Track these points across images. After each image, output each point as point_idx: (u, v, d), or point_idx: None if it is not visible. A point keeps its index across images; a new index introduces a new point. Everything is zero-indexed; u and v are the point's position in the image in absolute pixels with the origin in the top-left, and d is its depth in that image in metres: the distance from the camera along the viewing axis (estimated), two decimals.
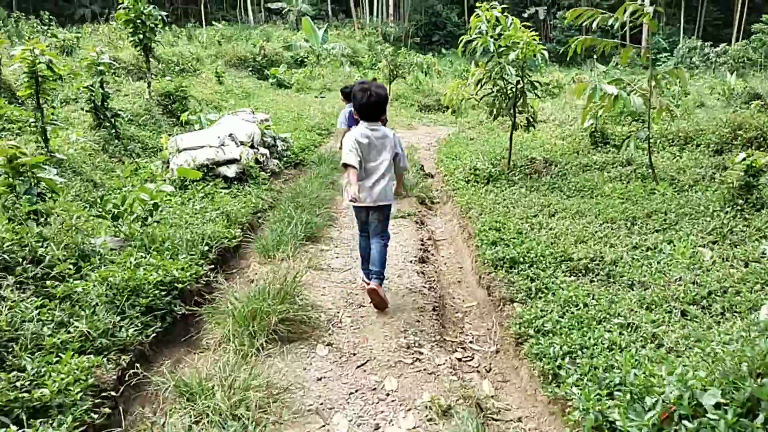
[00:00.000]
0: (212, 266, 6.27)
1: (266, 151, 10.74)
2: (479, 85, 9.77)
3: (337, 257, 6.94)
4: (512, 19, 9.28)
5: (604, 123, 10.83)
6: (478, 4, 9.63)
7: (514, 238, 6.43)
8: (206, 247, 6.45)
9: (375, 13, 48.47)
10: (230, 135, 9.88)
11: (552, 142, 11.68)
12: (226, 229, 7.15)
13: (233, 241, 6.99)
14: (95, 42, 21.26)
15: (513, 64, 9.07)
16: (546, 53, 9.08)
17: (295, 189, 8.92)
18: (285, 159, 11.67)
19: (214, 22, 35.26)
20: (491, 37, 9.19)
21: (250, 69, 27.03)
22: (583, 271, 5.69)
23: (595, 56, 48.94)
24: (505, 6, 9.47)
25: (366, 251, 5.62)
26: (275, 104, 19.90)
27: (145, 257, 5.73)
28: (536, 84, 9.53)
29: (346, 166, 5.02)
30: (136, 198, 6.38)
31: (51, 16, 22.52)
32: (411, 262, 6.68)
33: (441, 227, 8.53)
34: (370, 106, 5.15)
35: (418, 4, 49.80)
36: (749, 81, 20.95)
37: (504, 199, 8.18)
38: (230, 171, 9.19)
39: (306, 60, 28.96)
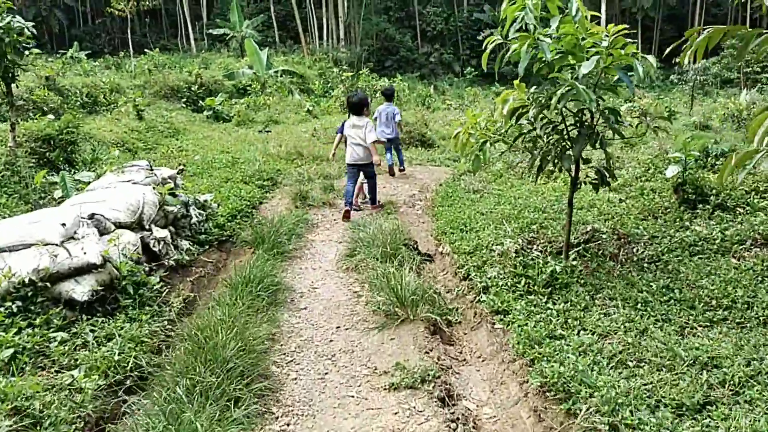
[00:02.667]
0: None
1: (165, 233, 6.37)
2: (513, 118, 5.65)
3: None
4: (577, 5, 5.14)
5: (693, 170, 6.80)
6: None
7: None
8: None
9: (325, 39, 44.44)
10: (91, 216, 5.50)
11: (605, 198, 7.57)
12: None
13: None
14: None
15: (585, 81, 4.97)
16: (653, 62, 4.95)
17: (204, 323, 4.55)
18: (204, 235, 7.33)
19: (147, 51, 30.68)
20: (541, 35, 5.06)
21: (185, 100, 22.53)
22: None
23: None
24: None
25: (350, 195, 8.65)
26: (208, 143, 15.48)
27: None
28: (618, 115, 5.40)
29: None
30: None
31: None
32: None
33: (482, 395, 4.27)
34: (354, 104, 8.62)
35: (370, 28, 45.96)
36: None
37: (601, 336, 4.04)
38: (81, 289, 4.78)
39: (249, 88, 24.59)
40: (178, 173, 10.88)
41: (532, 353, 4.03)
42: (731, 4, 45.86)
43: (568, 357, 3.86)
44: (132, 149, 13.95)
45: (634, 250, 5.90)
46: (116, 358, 4.19)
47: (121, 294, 5.07)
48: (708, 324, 4.34)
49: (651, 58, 4.88)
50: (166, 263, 6.27)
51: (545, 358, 3.91)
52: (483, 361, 4.66)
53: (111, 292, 5.03)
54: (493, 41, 5.41)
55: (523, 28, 5.22)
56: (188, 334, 4.43)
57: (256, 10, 45.83)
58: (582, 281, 5.11)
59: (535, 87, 5.54)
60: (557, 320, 4.46)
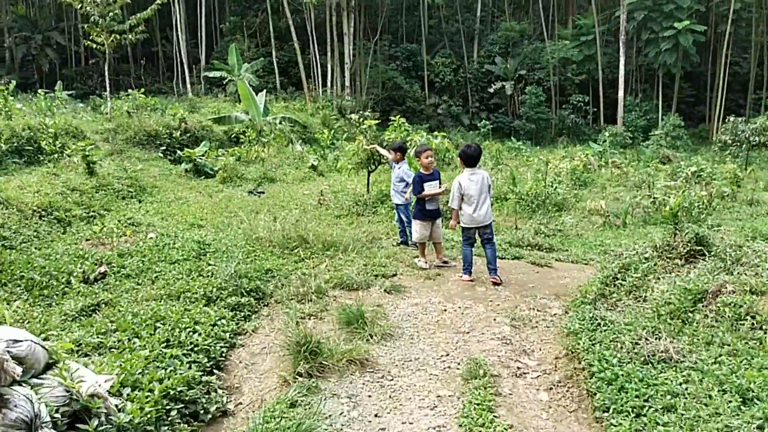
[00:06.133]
0: None
1: None
2: None
3: None
4: None
5: None
6: None
7: None
8: None
9: (329, 86, 40.38)
10: None
11: None
12: None
13: None
14: None
15: None
16: None
17: None
18: None
19: (131, 91, 26.38)
20: None
21: (164, 149, 18.13)
22: None
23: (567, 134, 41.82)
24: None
25: (469, 257, 7.05)
26: (177, 209, 10.97)
27: None
28: None
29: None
30: None
31: None
32: None
33: None
34: (471, 156, 6.91)
35: (377, 77, 42.01)
36: None
37: None
38: None
39: (243, 137, 20.25)
40: (98, 279, 6.36)
41: None
42: (752, 63, 42.40)
43: None
44: (63, 219, 9.42)
45: None
46: None
47: None
48: None
49: None
50: None
51: None
52: None
53: None
54: None
55: None
56: None
57: (257, 55, 41.88)
58: None
59: None
60: None
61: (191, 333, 4.82)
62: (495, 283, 6.86)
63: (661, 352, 4.15)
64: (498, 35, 45.91)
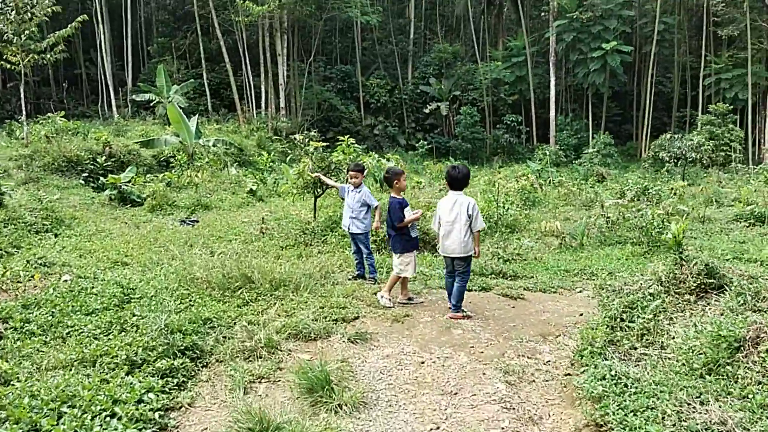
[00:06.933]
0: None
1: None
2: None
3: None
4: None
5: None
6: None
7: None
8: None
9: (263, 107, 39.03)
10: None
11: None
12: None
13: None
14: None
15: None
16: None
17: None
18: None
19: (50, 114, 24.38)
20: None
21: (86, 175, 16.52)
22: None
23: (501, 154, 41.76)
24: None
25: (450, 287, 6.37)
26: (99, 244, 9.59)
27: None
28: None
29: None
30: None
31: None
32: None
33: None
34: (455, 179, 6.26)
35: (312, 98, 40.94)
36: None
37: None
38: None
39: (173, 161, 18.80)
40: None
41: None
42: (675, 83, 43.69)
43: None
44: None
45: None
46: None
47: None
48: None
49: None
50: None
51: None
52: None
53: None
54: None
55: None
56: None
57: (187, 76, 40.09)
58: None
59: None
60: None
61: (108, 418, 3.65)
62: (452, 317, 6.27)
63: (716, 423, 3.27)
64: (431, 57, 45.76)
